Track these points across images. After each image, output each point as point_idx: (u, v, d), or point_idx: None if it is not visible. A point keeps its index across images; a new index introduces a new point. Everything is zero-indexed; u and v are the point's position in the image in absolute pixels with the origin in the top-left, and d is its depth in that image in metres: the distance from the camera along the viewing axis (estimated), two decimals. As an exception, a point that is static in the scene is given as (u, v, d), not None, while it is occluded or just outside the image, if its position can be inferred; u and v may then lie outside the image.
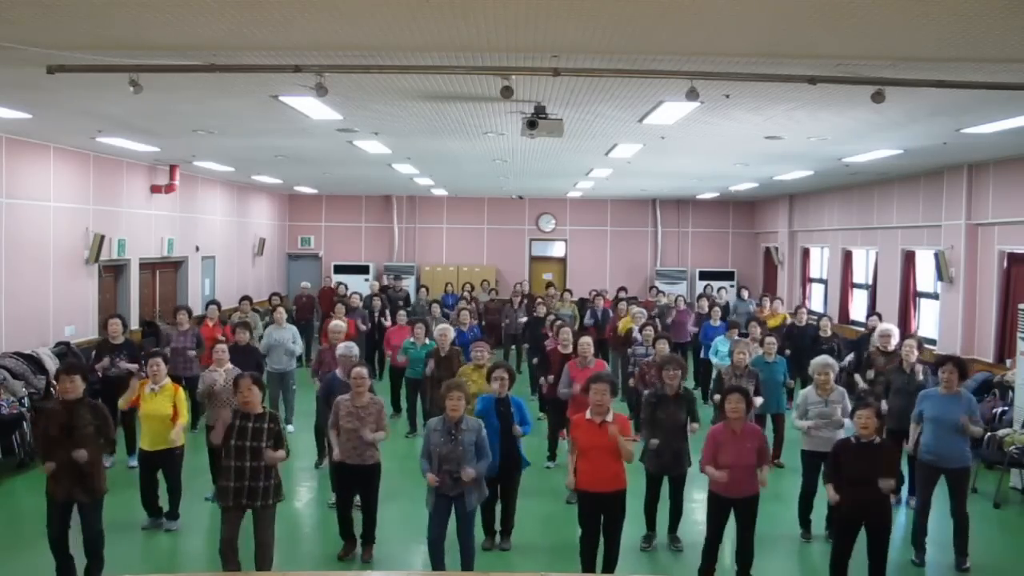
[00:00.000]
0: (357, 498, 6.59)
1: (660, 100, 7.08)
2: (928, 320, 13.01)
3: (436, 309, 12.80)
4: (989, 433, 8.66)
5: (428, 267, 21.07)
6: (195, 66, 5.63)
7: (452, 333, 9.62)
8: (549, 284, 19.29)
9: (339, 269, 20.47)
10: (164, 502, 7.17)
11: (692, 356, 12.95)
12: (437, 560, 5.79)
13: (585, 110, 7.69)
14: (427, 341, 10.07)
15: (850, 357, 10.59)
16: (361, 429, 6.27)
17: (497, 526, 6.83)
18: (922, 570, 6.54)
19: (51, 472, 5.70)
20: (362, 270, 20.65)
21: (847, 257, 16.06)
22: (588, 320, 13.97)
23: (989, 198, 11.03)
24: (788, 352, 10.66)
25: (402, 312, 12.29)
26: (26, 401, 8.92)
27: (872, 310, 13.17)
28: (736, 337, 10.49)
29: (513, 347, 15.09)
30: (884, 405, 7.45)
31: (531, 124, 7.00)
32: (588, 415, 5.78)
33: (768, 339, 9.32)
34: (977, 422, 6.61)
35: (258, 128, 9.15)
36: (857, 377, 9.26)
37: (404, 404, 10.72)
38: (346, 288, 16.56)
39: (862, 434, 5.63)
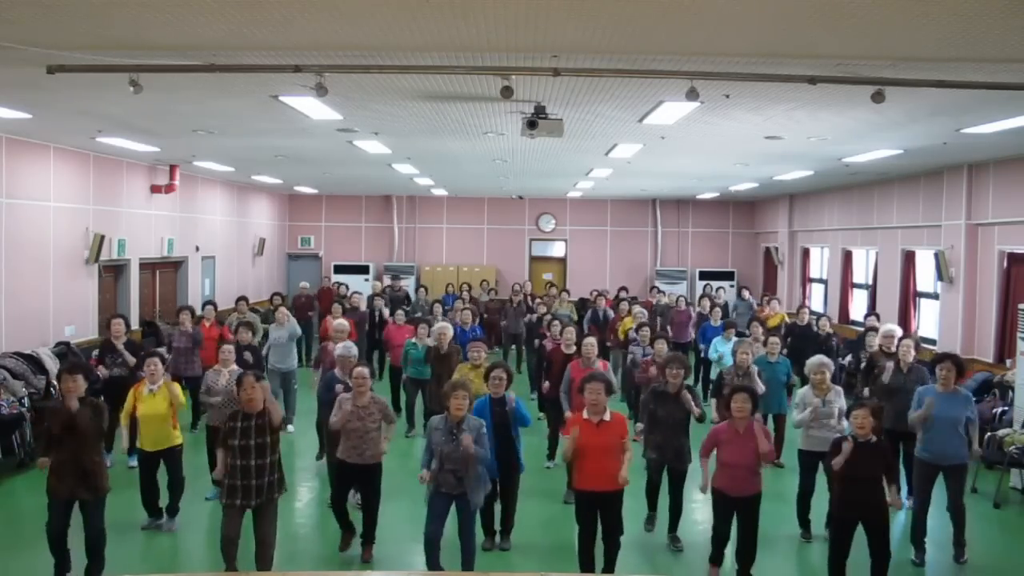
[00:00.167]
0: (357, 497, 6.59)
1: (660, 100, 7.08)
2: (928, 320, 13.01)
3: (438, 309, 12.81)
4: (989, 433, 8.67)
5: (428, 267, 21.07)
6: (195, 66, 5.63)
7: (451, 331, 9.64)
8: (549, 284, 19.29)
9: (339, 269, 20.47)
10: (164, 501, 7.17)
11: (693, 356, 12.94)
12: (432, 558, 5.77)
13: (585, 110, 7.69)
14: (428, 341, 10.09)
15: (849, 356, 10.59)
16: (363, 439, 6.30)
17: (497, 526, 6.83)
18: (922, 570, 6.54)
19: (53, 470, 5.72)
20: (362, 270, 20.66)
21: (847, 257, 16.06)
22: (589, 320, 13.96)
23: (989, 198, 11.03)
24: (785, 352, 10.66)
25: (400, 311, 12.30)
26: (26, 401, 8.92)
27: (872, 310, 13.17)
28: (734, 337, 10.50)
29: (513, 347, 15.10)
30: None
31: (531, 124, 7.00)
32: (585, 414, 5.79)
33: (771, 339, 9.32)
34: (975, 422, 6.63)
35: (258, 128, 9.15)
36: (859, 379, 9.26)
37: (404, 403, 10.72)
38: (347, 288, 16.56)
39: (859, 434, 5.64)
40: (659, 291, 16.96)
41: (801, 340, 11.54)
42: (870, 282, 14.98)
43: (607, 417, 5.75)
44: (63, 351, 10.37)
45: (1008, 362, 10.09)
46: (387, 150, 11.06)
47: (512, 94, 5.89)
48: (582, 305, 16.09)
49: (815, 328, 11.62)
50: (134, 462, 8.03)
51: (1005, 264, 10.80)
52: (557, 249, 21.75)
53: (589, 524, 5.82)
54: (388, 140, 10.18)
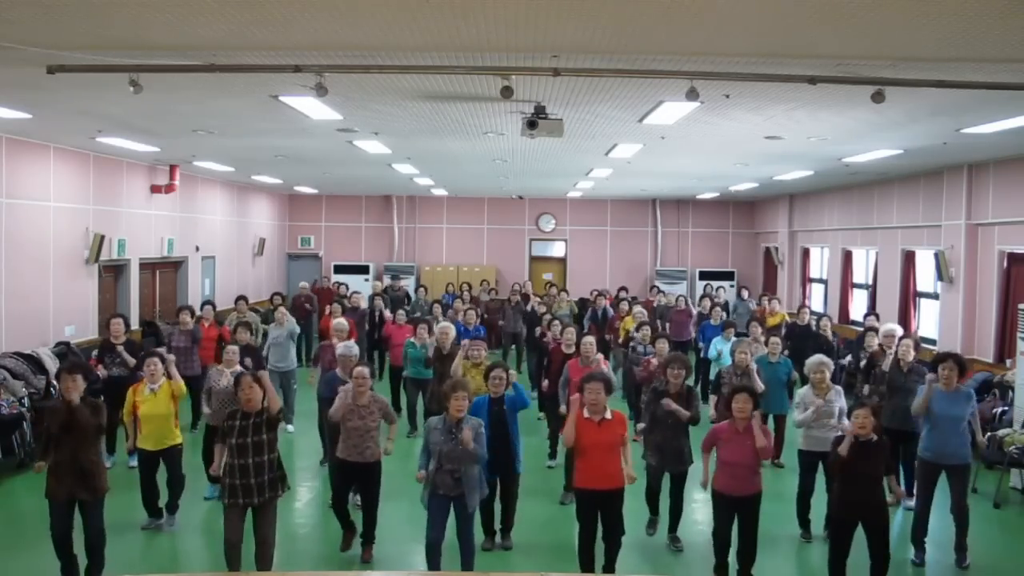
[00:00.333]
0: (357, 497, 6.59)
1: (660, 100, 7.08)
2: (928, 320, 13.01)
3: (437, 309, 12.81)
4: (989, 433, 8.66)
5: (428, 267, 21.07)
6: (195, 66, 5.63)
7: (453, 331, 9.61)
8: (549, 284, 19.29)
9: (339, 269, 20.48)
10: (164, 500, 7.17)
11: (693, 356, 12.94)
12: (434, 563, 5.77)
13: (585, 110, 7.69)
14: (428, 340, 10.09)
15: (849, 356, 10.59)
16: (364, 438, 6.31)
17: (497, 525, 6.83)
18: (922, 570, 6.55)
19: (52, 470, 5.71)
20: (362, 270, 20.66)
21: (847, 257, 16.06)
22: (589, 318, 13.97)
23: (989, 198, 11.03)
24: (786, 352, 10.66)
25: (401, 311, 12.31)
26: (26, 401, 8.92)
27: (872, 310, 13.17)
28: (733, 337, 10.50)
29: (513, 347, 15.10)
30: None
31: (531, 124, 7.00)
32: (586, 413, 5.79)
33: (772, 339, 9.33)
34: (976, 417, 6.63)
35: (258, 128, 9.15)
36: (858, 377, 9.27)
37: (404, 403, 10.72)
38: (347, 288, 16.56)
39: (859, 433, 5.64)
40: (659, 291, 16.97)
41: (801, 340, 11.55)
42: (870, 282, 14.98)
43: (608, 416, 5.76)
44: (63, 351, 10.38)
45: (1008, 362, 10.09)
46: (387, 150, 11.06)
47: (512, 94, 5.89)
48: (582, 305, 16.10)
49: (816, 328, 11.62)
50: (134, 462, 8.03)
51: (1005, 264, 10.80)
52: (557, 249, 21.75)
53: (589, 523, 5.82)
54: (388, 140, 10.18)
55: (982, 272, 11.21)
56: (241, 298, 12.59)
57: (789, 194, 18.41)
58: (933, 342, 12.06)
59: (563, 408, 7.85)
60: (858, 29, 4.70)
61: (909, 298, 13.42)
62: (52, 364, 9.59)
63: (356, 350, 7.83)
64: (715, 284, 18.24)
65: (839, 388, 7.11)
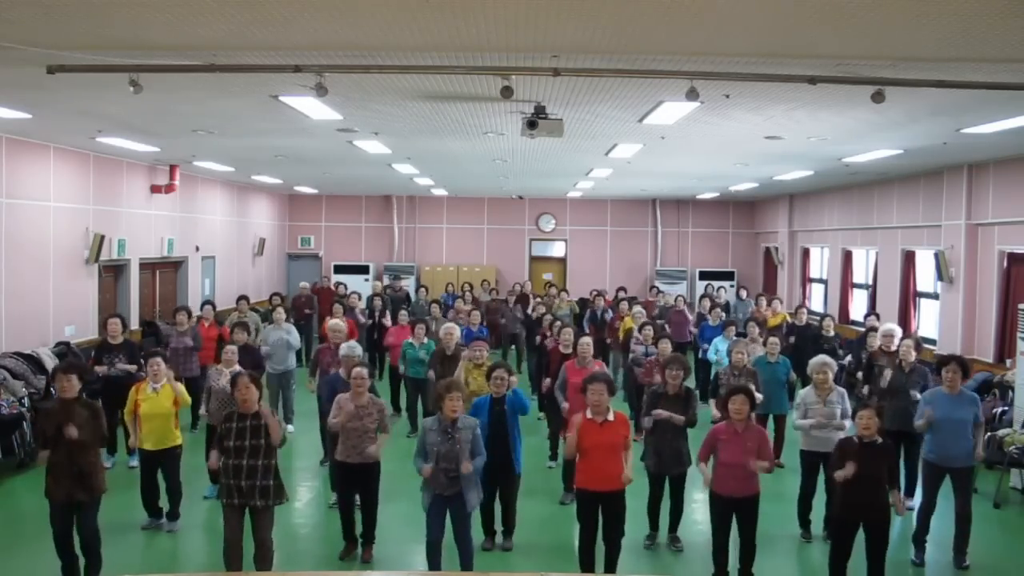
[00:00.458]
0: (356, 498, 6.59)
1: (660, 100, 7.08)
2: (928, 320, 13.01)
3: (436, 309, 12.79)
4: (989, 433, 8.66)
5: (428, 267, 21.07)
6: (195, 66, 5.63)
7: (458, 332, 9.57)
8: (549, 284, 19.29)
9: (339, 269, 20.47)
10: (164, 502, 7.17)
11: (693, 356, 12.94)
12: (434, 563, 5.78)
13: (585, 110, 7.69)
14: (425, 340, 10.08)
15: (849, 357, 10.59)
16: (362, 439, 6.30)
17: (498, 526, 6.83)
18: (922, 570, 6.54)
19: (50, 471, 5.71)
20: (362, 270, 20.65)
21: (847, 257, 16.06)
22: (588, 319, 13.97)
23: (989, 198, 11.03)
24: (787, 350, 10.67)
25: (403, 312, 12.29)
26: (26, 401, 8.92)
27: (872, 310, 13.17)
28: (734, 337, 10.50)
29: (512, 347, 15.09)
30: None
31: (531, 124, 7.00)
32: (588, 414, 5.79)
33: (771, 339, 9.33)
34: (980, 425, 6.63)
35: (258, 128, 9.15)
36: (859, 376, 9.27)
37: (404, 404, 10.72)
38: (345, 288, 16.55)
39: (864, 434, 5.64)
40: (659, 291, 16.97)
41: (800, 340, 11.56)
42: (870, 282, 14.98)
43: (610, 417, 5.76)
44: (63, 351, 10.37)
45: (1008, 362, 10.09)
46: (387, 150, 11.06)
47: (512, 94, 5.89)
48: (582, 305, 16.09)
49: (820, 329, 11.61)
50: (135, 462, 8.04)
51: (1005, 264, 10.80)
52: (557, 249, 21.76)
53: (590, 524, 5.82)
54: (388, 140, 10.18)
55: (982, 272, 11.21)
56: (243, 298, 12.58)
57: (789, 194, 18.41)
58: (933, 342, 12.06)
59: (564, 405, 7.84)
60: (858, 29, 4.70)
61: (909, 298, 13.42)
62: (52, 364, 9.56)
63: (359, 350, 7.82)
64: (716, 284, 18.23)
65: (842, 390, 7.10)
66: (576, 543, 5.97)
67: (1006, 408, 9.25)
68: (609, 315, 13.64)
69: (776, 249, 19.36)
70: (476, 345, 8.29)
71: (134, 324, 12.65)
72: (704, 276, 20.49)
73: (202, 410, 7.79)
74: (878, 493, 5.59)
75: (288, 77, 5.92)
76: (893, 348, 8.49)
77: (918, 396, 7.14)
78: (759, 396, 7.94)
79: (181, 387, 7.14)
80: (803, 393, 7.12)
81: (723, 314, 12.83)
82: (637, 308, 12.57)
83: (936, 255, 11.77)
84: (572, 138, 9.53)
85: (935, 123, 7.97)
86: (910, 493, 7.92)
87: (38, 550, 6.29)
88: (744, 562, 6.02)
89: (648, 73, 5.78)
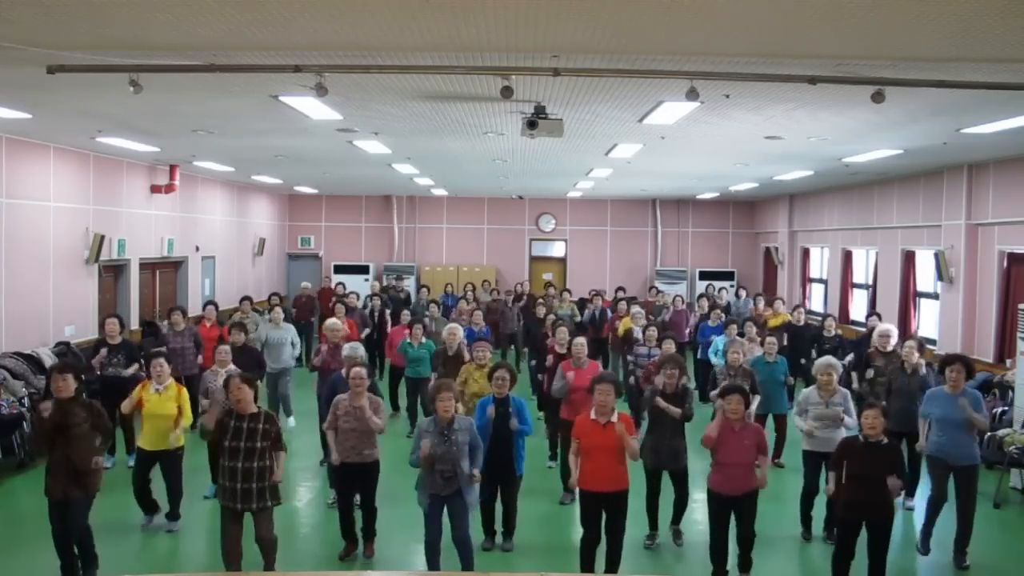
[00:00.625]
0: (356, 498, 6.59)
1: (660, 100, 7.08)
2: (928, 320, 13.01)
3: (435, 309, 12.79)
4: (989, 433, 8.66)
5: (428, 267, 21.07)
6: (195, 66, 5.63)
7: (461, 332, 9.56)
8: (548, 284, 19.29)
9: (339, 269, 20.46)
10: (164, 503, 7.16)
11: (692, 356, 12.94)
12: (433, 563, 5.78)
13: (585, 110, 7.69)
14: (423, 340, 10.08)
15: (850, 357, 10.59)
16: (361, 439, 6.29)
17: (498, 526, 6.83)
18: (922, 569, 6.54)
19: (48, 469, 5.72)
20: (362, 270, 20.65)
21: (847, 257, 16.06)
22: (586, 318, 13.97)
23: (989, 198, 11.03)
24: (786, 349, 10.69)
25: (405, 312, 12.29)
26: (26, 401, 8.92)
27: (872, 310, 13.17)
28: (734, 336, 10.50)
29: (512, 347, 15.08)
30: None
31: (531, 124, 7.00)
32: (592, 415, 5.80)
33: (769, 339, 9.33)
34: (982, 418, 6.61)
35: (258, 128, 9.15)
36: (854, 375, 9.28)
37: (404, 403, 10.71)
38: (344, 288, 16.56)
39: (869, 434, 5.64)
40: (659, 291, 16.97)
41: (797, 340, 11.55)
42: (870, 282, 14.98)
43: (613, 418, 5.76)
44: (63, 351, 10.37)
45: (1008, 362, 10.09)
46: (387, 150, 11.06)
47: (512, 94, 5.89)
48: (582, 305, 16.10)
49: (820, 329, 11.61)
50: (134, 462, 8.03)
51: (1005, 264, 10.80)
52: (557, 249, 21.76)
53: (594, 525, 5.82)
54: (388, 140, 10.18)
55: (982, 272, 11.21)
56: (246, 299, 12.59)
57: (789, 194, 18.41)
58: (933, 342, 12.05)
59: (569, 374, 7.75)
60: (858, 29, 4.70)
61: (909, 298, 13.42)
62: (52, 364, 9.58)
63: (362, 351, 7.82)
64: (716, 285, 18.23)
65: (845, 391, 7.09)
66: (576, 543, 5.97)
67: (1006, 408, 9.25)
68: (608, 315, 13.64)
69: (776, 249, 19.36)
70: (479, 346, 8.28)
71: (134, 324, 12.65)
72: (704, 276, 20.50)
73: (203, 401, 7.72)
74: (881, 492, 5.58)
75: (288, 77, 5.92)
76: (889, 348, 8.50)
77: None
78: (756, 397, 7.94)
79: (187, 399, 7.04)
80: (806, 393, 7.11)
81: (723, 315, 12.82)
82: (636, 308, 12.57)
83: (936, 255, 11.77)
84: (572, 138, 9.53)
85: (935, 123, 7.97)
86: (911, 493, 7.93)
87: (38, 550, 6.30)
88: (742, 556, 6.01)
89: (648, 73, 5.78)
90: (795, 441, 7.59)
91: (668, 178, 15.28)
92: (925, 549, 6.61)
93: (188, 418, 7.01)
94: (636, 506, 6.29)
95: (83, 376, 6.21)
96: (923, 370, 7.73)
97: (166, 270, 14.65)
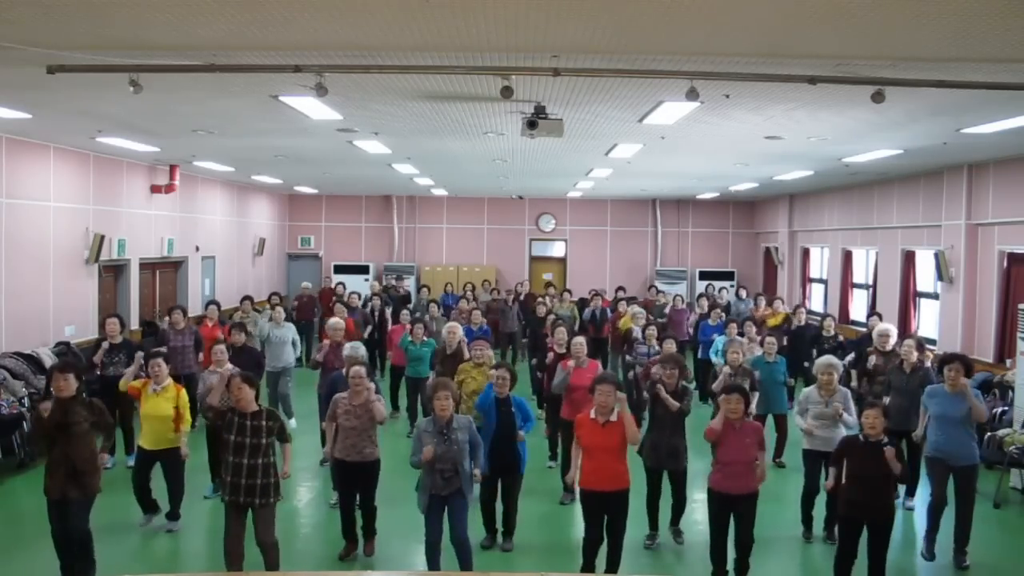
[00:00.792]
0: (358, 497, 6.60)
1: (660, 100, 7.08)
2: (928, 320, 13.01)
3: (434, 308, 12.80)
4: (989, 433, 8.67)
5: (428, 267, 21.07)
6: (195, 66, 5.63)
7: (461, 331, 9.57)
8: (548, 284, 19.29)
9: (339, 269, 20.47)
10: (164, 503, 7.16)
11: (692, 356, 12.94)
12: (433, 563, 5.78)
13: (585, 110, 7.69)
14: (424, 339, 10.08)
15: (851, 356, 10.59)
16: (361, 437, 6.30)
17: (499, 526, 6.83)
18: (922, 569, 6.54)
19: (47, 468, 5.71)
20: (362, 270, 20.66)
21: (847, 257, 16.06)
22: (586, 317, 13.97)
23: (989, 198, 11.03)
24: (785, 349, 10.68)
25: (405, 312, 12.29)
26: (26, 401, 8.92)
27: (872, 310, 13.17)
28: (734, 336, 10.50)
29: (511, 347, 15.08)
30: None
31: (531, 124, 7.00)
32: (592, 414, 5.80)
33: (768, 339, 9.34)
34: (981, 404, 6.61)
35: (258, 128, 9.15)
36: (853, 373, 9.28)
37: (404, 403, 10.71)
38: (343, 288, 16.57)
39: (870, 434, 5.65)
40: (659, 291, 16.98)
41: (797, 340, 11.55)
42: (870, 282, 14.98)
43: (613, 418, 5.76)
44: (63, 351, 10.37)
45: (1008, 362, 10.09)
46: (387, 150, 11.06)
47: (512, 94, 5.89)
48: (582, 305, 16.10)
49: (819, 329, 11.60)
50: (134, 462, 8.03)
51: (1005, 264, 10.80)
52: (557, 249, 21.75)
53: (595, 525, 5.82)
54: (388, 140, 10.18)
55: (982, 272, 11.21)
56: (247, 298, 12.59)
57: (789, 194, 18.41)
58: (933, 342, 12.04)
59: (571, 363, 7.82)
60: (858, 29, 4.70)
61: (909, 298, 13.42)
62: (52, 364, 9.58)
63: (363, 350, 7.82)
64: (717, 285, 18.24)
65: (846, 391, 7.09)
66: (576, 543, 5.96)
67: (1006, 408, 9.25)
68: (608, 315, 13.64)
69: (776, 249, 19.36)
70: (478, 344, 8.29)
71: (134, 324, 12.65)
72: (704, 276, 20.50)
73: (202, 389, 7.72)
74: (882, 492, 5.59)
75: (288, 77, 5.92)
76: (888, 348, 8.50)
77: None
78: (755, 394, 7.95)
79: (186, 402, 7.03)
80: (806, 392, 7.12)
81: (723, 315, 12.83)
82: (636, 308, 12.56)
83: (936, 255, 11.77)
84: (572, 138, 9.53)
85: (935, 123, 7.97)
86: (911, 493, 7.93)
87: (38, 550, 6.29)
88: (741, 552, 6.00)
89: (648, 73, 5.78)
90: (796, 441, 7.59)
91: (668, 178, 15.28)
92: (930, 555, 6.60)
93: (187, 422, 7.00)
94: (636, 506, 6.29)
95: (84, 376, 6.21)
96: (927, 364, 7.74)
97: (166, 270, 14.65)
